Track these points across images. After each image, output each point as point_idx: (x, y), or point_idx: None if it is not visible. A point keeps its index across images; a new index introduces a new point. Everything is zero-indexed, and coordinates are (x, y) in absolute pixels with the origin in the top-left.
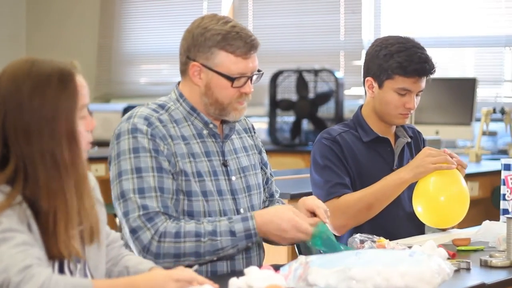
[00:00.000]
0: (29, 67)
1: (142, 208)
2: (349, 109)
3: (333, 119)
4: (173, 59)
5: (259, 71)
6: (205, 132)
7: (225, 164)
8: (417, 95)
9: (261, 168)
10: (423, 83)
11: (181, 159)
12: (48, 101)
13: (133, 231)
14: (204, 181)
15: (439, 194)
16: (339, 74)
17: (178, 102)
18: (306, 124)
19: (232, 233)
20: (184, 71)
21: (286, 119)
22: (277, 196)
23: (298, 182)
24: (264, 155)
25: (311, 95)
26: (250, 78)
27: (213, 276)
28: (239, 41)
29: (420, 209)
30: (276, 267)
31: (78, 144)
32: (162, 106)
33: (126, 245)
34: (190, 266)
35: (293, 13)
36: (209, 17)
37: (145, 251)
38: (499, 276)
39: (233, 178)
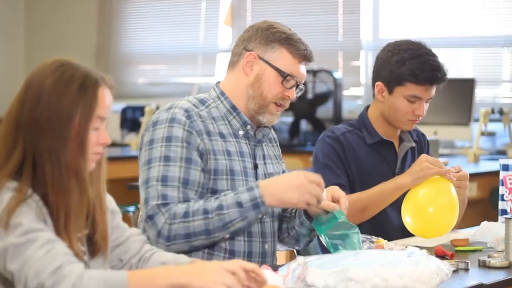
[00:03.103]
0: (58, 66)
1: (162, 197)
2: (347, 110)
3: (332, 119)
4: (171, 60)
5: (304, 85)
6: (241, 132)
7: (256, 167)
8: (426, 101)
9: None
10: (433, 90)
11: (218, 155)
12: (65, 101)
13: (150, 217)
14: (235, 180)
15: (428, 205)
16: (337, 75)
17: (218, 100)
18: (304, 125)
19: (239, 204)
20: (235, 62)
21: (285, 119)
22: None
23: None
24: (284, 165)
25: (310, 95)
26: (297, 85)
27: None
28: (301, 45)
29: (408, 219)
30: (275, 268)
31: (85, 152)
32: (202, 102)
33: (144, 231)
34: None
35: (291, 14)
36: (274, 21)
37: (158, 236)
38: (498, 276)
39: (260, 181)
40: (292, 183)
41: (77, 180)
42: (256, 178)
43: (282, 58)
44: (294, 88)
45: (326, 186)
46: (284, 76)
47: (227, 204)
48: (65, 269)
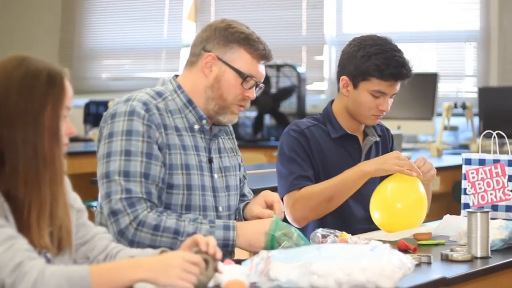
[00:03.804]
0: (20, 60)
1: (125, 192)
2: (311, 104)
3: (295, 114)
4: (135, 54)
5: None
6: (196, 127)
7: (210, 161)
8: (390, 97)
9: None
10: (398, 86)
11: (172, 150)
12: (37, 92)
13: (113, 213)
14: (190, 175)
15: (396, 201)
16: (301, 69)
17: (175, 93)
18: (268, 119)
19: None
20: (193, 62)
21: (248, 114)
22: (250, 197)
23: (260, 177)
24: (240, 157)
25: (273, 90)
26: (257, 85)
27: None
28: (259, 44)
29: (377, 215)
30: (238, 262)
31: (59, 141)
32: (159, 94)
33: (101, 225)
34: None
35: (255, 8)
36: (232, 20)
37: (120, 235)
38: (460, 270)
39: (215, 176)
40: (263, 229)
41: (52, 173)
42: (211, 172)
43: (241, 58)
44: (254, 88)
45: (292, 178)
46: (244, 77)
47: (199, 234)
48: (25, 265)
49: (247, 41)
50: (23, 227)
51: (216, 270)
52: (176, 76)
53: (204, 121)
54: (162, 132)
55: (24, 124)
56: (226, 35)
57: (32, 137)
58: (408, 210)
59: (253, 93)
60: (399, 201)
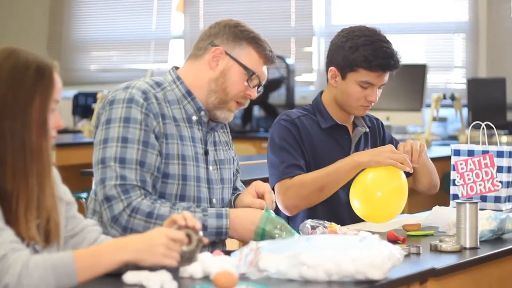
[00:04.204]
0: (9, 53)
1: (120, 178)
2: (300, 96)
3: (284, 105)
4: (123, 46)
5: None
6: (194, 118)
7: (206, 153)
8: (379, 88)
9: None
10: (386, 77)
11: (169, 139)
12: (25, 85)
13: (107, 199)
14: (186, 165)
15: (376, 189)
16: (290, 61)
17: (174, 84)
18: (257, 111)
19: (204, 227)
20: (198, 56)
21: None
22: (241, 190)
23: (249, 169)
24: (233, 151)
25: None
26: (259, 85)
27: None
28: (267, 46)
29: (356, 203)
30: (227, 253)
31: (47, 134)
32: (158, 84)
33: (94, 212)
34: None
35: (244, 0)
36: (240, 21)
37: (113, 221)
38: (449, 260)
39: (210, 168)
40: (253, 219)
41: (39, 165)
42: (207, 164)
43: (248, 56)
44: (256, 87)
45: (284, 167)
46: (250, 74)
47: None
48: (9, 258)
49: (256, 41)
50: (11, 219)
51: (200, 241)
52: (176, 68)
53: (202, 113)
54: (160, 121)
55: (11, 116)
56: (236, 32)
57: (19, 129)
58: (388, 198)
59: (255, 93)
60: (379, 189)
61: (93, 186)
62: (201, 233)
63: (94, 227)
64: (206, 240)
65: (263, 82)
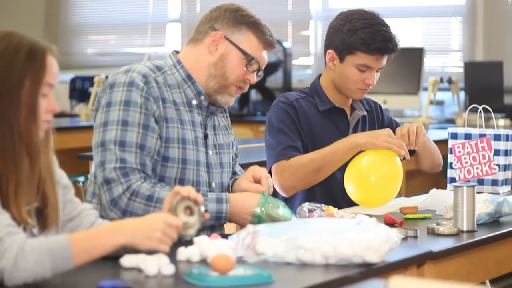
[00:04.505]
0: (3, 36)
1: (120, 161)
2: (297, 79)
3: (281, 89)
4: (120, 30)
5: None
6: (194, 102)
7: (206, 137)
8: (377, 71)
9: None
10: (384, 60)
11: (170, 123)
12: (15, 67)
13: (106, 182)
14: (186, 149)
15: (370, 174)
16: (287, 44)
17: (174, 68)
18: (254, 94)
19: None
20: (198, 40)
21: None
22: (240, 174)
23: (246, 152)
24: (233, 135)
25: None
26: (259, 70)
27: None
28: (267, 31)
29: (350, 187)
30: (224, 237)
31: (36, 117)
32: (159, 68)
33: (94, 194)
34: None
35: None
36: (241, 5)
37: (112, 204)
38: (446, 243)
39: (210, 152)
40: (252, 203)
41: (29, 148)
42: (206, 148)
43: (248, 41)
44: (256, 72)
45: (281, 148)
46: (249, 59)
47: None
48: (5, 241)
49: (256, 26)
50: (5, 202)
51: (201, 214)
52: (177, 52)
53: (202, 97)
54: (160, 105)
55: (2, 99)
56: (236, 17)
57: (7, 112)
58: (382, 183)
59: (254, 77)
60: (373, 173)
61: (93, 169)
62: (202, 207)
63: (91, 211)
64: (207, 215)
65: (263, 67)
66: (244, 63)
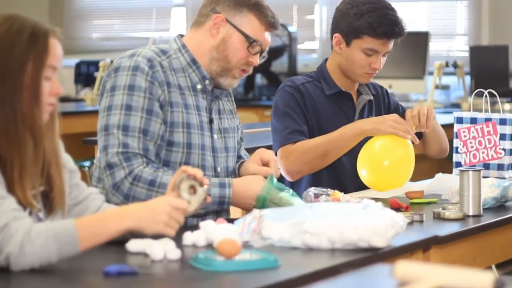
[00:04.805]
0: (6, 18)
1: (123, 146)
2: (302, 64)
3: (287, 73)
4: (125, 14)
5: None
6: (199, 86)
7: (211, 121)
8: (383, 55)
9: None
10: (391, 44)
11: (174, 107)
12: (17, 50)
13: (109, 166)
14: (191, 133)
15: (383, 158)
16: (292, 29)
17: (179, 52)
18: (259, 79)
19: None
20: (200, 23)
21: None
22: (245, 158)
23: (251, 137)
24: (238, 119)
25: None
26: (262, 52)
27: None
28: (269, 12)
29: (363, 172)
30: (230, 221)
31: (39, 101)
32: (164, 52)
33: (99, 179)
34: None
35: None
36: None
37: (115, 188)
38: (452, 228)
39: (215, 136)
40: (256, 187)
41: (32, 131)
42: (211, 132)
43: (249, 23)
44: (258, 54)
45: (287, 132)
46: (250, 41)
47: None
48: (11, 227)
49: (257, 7)
50: (10, 186)
51: (204, 197)
52: (182, 35)
53: (207, 81)
54: (165, 89)
55: (4, 82)
56: None
57: (9, 95)
58: (395, 167)
59: (257, 60)
60: (387, 158)
61: (98, 154)
62: (206, 188)
63: (97, 195)
64: (209, 199)
65: (266, 48)
66: (246, 46)
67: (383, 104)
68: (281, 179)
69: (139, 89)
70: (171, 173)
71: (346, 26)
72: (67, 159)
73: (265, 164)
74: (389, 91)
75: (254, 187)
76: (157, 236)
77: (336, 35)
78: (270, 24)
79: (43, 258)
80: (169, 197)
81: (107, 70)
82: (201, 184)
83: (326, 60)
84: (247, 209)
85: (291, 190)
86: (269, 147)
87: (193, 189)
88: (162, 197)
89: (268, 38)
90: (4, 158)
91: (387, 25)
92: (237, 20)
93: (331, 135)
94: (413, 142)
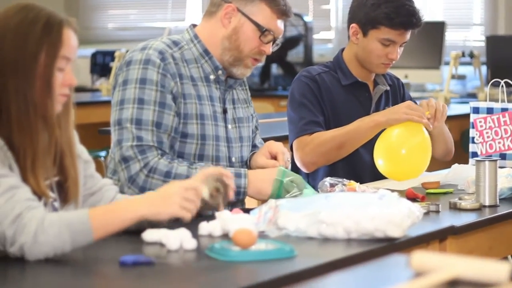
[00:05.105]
0: (21, 8)
1: (137, 139)
2: (318, 53)
3: (302, 63)
4: (141, 4)
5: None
6: (212, 77)
7: (225, 111)
8: (400, 46)
9: None
10: (408, 35)
11: (187, 99)
12: (30, 40)
13: (124, 160)
14: (205, 125)
15: (400, 147)
16: (308, 18)
17: (191, 43)
18: (275, 69)
19: None
20: (212, 12)
21: None
22: (260, 147)
23: (267, 127)
24: (252, 108)
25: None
26: (274, 40)
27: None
28: (281, 0)
29: (380, 161)
30: (246, 211)
31: (51, 91)
32: (175, 43)
33: (114, 171)
34: None
35: None
36: None
37: (130, 181)
38: (468, 218)
39: (229, 126)
40: (271, 176)
41: (44, 121)
42: (225, 122)
43: (261, 12)
44: (271, 43)
45: (302, 123)
46: (262, 31)
47: None
48: (25, 216)
49: None
50: (23, 175)
51: (225, 199)
52: (194, 25)
53: (219, 72)
54: (178, 81)
55: (17, 71)
56: None
57: (22, 84)
58: (412, 155)
59: (270, 48)
60: (403, 146)
61: (112, 147)
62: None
63: (111, 186)
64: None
65: (279, 37)
66: (257, 35)
67: (399, 95)
68: (297, 170)
69: (151, 83)
70: (186, 164)
71: (363, 16)
72: (81, 150)
73: (273, 157)
74: (405, 81)
75: (268, 176)
76: (173, 226)
77: (353, 25)
78: (282, 12)
79: (57, 247)
80: (179, 181)
81: (119, 64)
82: (226, 188)
83: (342, 50)
84: (262, 200)
85: (303, 179)
86: (284, 137)
87: (216, 192)
88: (172, 182)
89: (280, 26)
90: (18, 147)
91: (404, 16)
92: (249, 9)
93: (347, 127)
94: (427, 130)
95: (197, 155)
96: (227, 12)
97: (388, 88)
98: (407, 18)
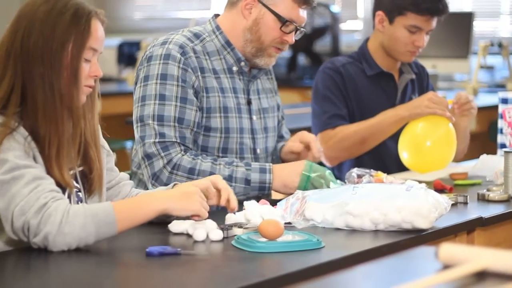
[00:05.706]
0: None
1: (159, 136)
2: (345, 44)
3: (330, 53)
4: None
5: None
6: (234, 68)
7: (249, 102)
8: (426, 33)
9: None
10: (434, 22)
11: (210, 93)
12: (58, 30)
13: (147, 157)
14: (228, 117)
15: (424, 140)
16: (335, 8)
17: (213, 34)
18: (302, 59)
19: (247, 181)
20: (233, 3)
21: (282, 54)
22: (287, 138)
23: (294, 117)
24: (278, 98)
25: (307, 29)
26: (296, 29)
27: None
28: None
29: (405, 154)
30: (273, 202)
31: (78, 82)
32: (197, 36)
33: (139, 165)
34: None
35: None
36: None
37: (154, 178)
38: (497, 210)
39: (254, 117)
40: (297, 170)
41: (70, 111)
42: (250, 113)
43: (281, 2)
44: (293, 32)
45: (326, 117)
46: (283, 21)
47: (235, 177)
48: (50, 206)
49: None
50: (48, 165)
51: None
52: (217, 15)
53: (242, 63)
54: (199, 75)
55: (44, 60)
56: None
57: (49, 74)
58: (437, 148)
59: (292, 38)
60: (428, 139)
61: (135, 142)
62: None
63: (128, 181)
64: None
65: (302, 25)
66: (279, 26)
67: (425, 84)
68: (320, 164)
69: (172, 78)
70: (210, 160)
71: (389, 3)
72: (103, 143)
73: (306, 146)
74: (433, 71)
75: (294, 170)
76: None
77: (379, 12)
78: (303, 1)
79: (82, 238)
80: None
81: (140, 59)
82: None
83: (367, 40)
84: (288, 193)
85: (330, 171)
86: (310, 128)
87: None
88: (187, 183)
89: (303, 15)
90: (43, 136)
91: (430, 2)
92: (269, 0)
93: (369, 121)
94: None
95: (221, 148)
96: (248, 2)
97: (414, 76)
98: (433, 4)
